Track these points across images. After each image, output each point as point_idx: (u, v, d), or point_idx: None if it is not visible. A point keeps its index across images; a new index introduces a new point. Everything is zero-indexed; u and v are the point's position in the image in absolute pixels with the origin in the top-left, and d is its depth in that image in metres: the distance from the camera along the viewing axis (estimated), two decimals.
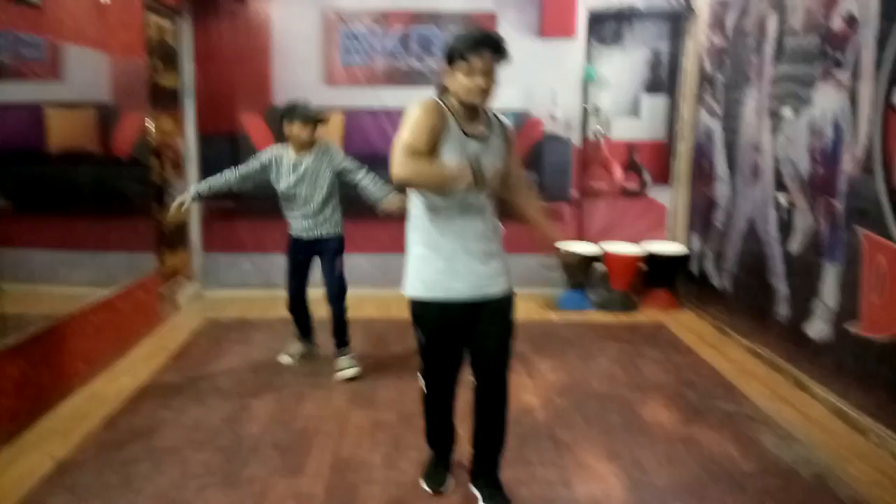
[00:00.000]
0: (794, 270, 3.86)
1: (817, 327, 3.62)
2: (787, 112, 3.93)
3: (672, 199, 5.76)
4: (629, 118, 5.68)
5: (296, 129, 3.70)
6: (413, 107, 2.32)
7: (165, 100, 5.03)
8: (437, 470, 2.74)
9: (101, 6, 3.93)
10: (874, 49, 3.16)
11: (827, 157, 3.54)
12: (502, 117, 2.58)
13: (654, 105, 5.66)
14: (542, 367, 4.07)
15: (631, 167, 5.74)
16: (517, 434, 3.15)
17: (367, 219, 5.37)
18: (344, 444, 3.06)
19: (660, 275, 5.47)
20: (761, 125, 4.23)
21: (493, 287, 2.47)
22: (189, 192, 3.82)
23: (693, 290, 5.36)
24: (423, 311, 2.47)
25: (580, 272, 5.39)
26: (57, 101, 3.74)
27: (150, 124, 4.68)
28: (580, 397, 3.63)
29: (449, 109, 2.37)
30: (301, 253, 3.94)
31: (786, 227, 3.94)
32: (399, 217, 3.53)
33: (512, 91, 5.40)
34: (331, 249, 3.89)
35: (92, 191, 3.98)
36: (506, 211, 2.65)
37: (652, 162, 5.74)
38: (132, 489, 2.65)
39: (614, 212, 5.80)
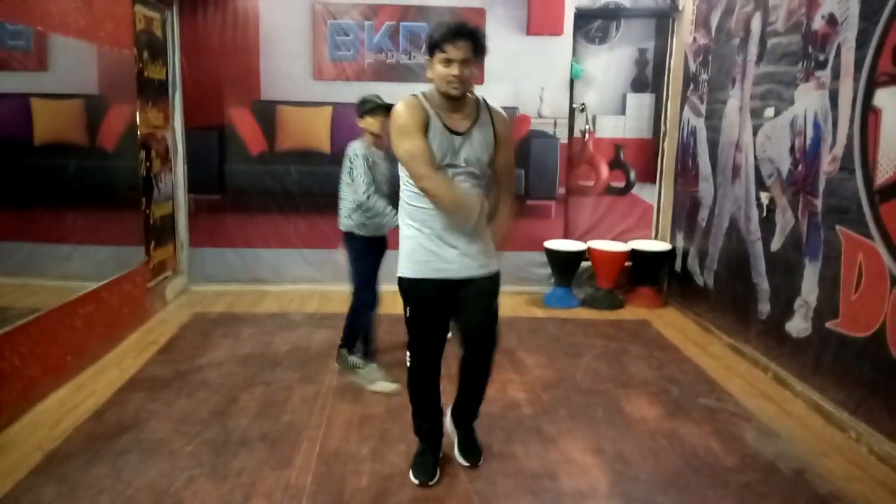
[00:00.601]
0: (776, 269, 3.93)
1: (798, 325, 3.69)
2: (769, 111, 3.99)
3: (657, 197, 5.82)
4: (615, 116, 5.74)
5: (379, 122, 3.54)
6: (396, 110, 2.48)
7: (153, 92, 5.00)
8: (425, 458, 2.77)
9: None
10: (854, 49, 3.22)
11: (807, 157, 3.61)
12: (496, 108, 2.62)
13: (640, 103, 5.72)
14: (529, 362, 4.12)
15: (617, 165, 5.80)
16: (504, 428, 3.20)
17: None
18: (332, 437, 3.09)
19: (645, 272, 5.54)
20: (744, 124, 4.29)
21: (478, 268, 2.60)
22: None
23: (677, 288, 5.43)
24: (411, 288, 2.61)
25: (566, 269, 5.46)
26: (43, 92, 3.71)
27: (137, 116, 4.66)
28: (566, 392, 3.67)
29: (431, 104, 2.48)
30: (380, 253, 3.75)
31: (767, 226, 4.01)
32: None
33: (499, 88, 5.45)
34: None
35: (78, 183, 3.96)
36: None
37: (638, 160, 5.80)
38: (121, 480, 2.66)
39: (600, 209, 5.85)
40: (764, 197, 4.05)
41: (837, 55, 3.35)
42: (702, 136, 4.98)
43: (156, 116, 5.07)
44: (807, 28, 3.63)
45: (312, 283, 5.64)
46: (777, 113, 3.90)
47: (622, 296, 5.51)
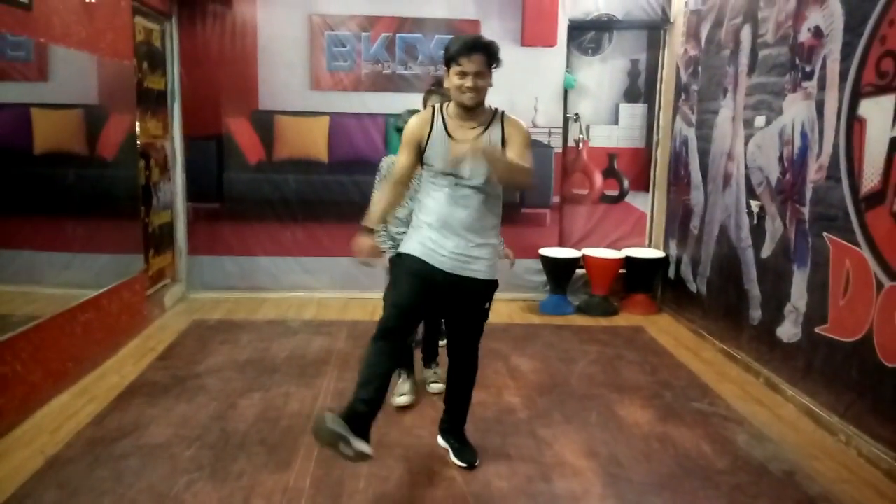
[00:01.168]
0: (766, 275, 4.00)
1: (788, 330, 3.75)
2: (759, 121, 4.07)
3: (650, 205, 5.90)
4: (609, 126, 5.82)
5: None
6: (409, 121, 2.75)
7: (152, 102, 5.06)
8: (345, 422, 2.43)
9: (90, 8, 3.96)
10: (839, 61, 3.30)
11: (795, 165, 3.69)
12: (513, 118, 2.72)
13: (632, 113, 5.81)
14: (525, 368, 4.17)
15: (610, 174, 5.88)
16: (499, 431, 3.25)
17: (349, 223, 5.48)
18: None
19: (639, 280, 5.60)
20: (735, 134, 4.37)
21: (471, 271, 2.68)
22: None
23: (671, 295, 5.50)
24: (404, 259, 2.74)
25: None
26: (43, 102, 3.75)
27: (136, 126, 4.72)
28: (560, 397, 3.73)
29: (447, 113, 2.66)
30: None
31: (758, 233, 4.08)
32: None
33: (494, 98, 5.48)
34: None
35: (78, 192, 4.00)
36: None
37: (631, 169, 5.88)
38: (122, 484, 2.70)
39: (594, 217, 5.93)
40: (754, 205, 4.12)
41: (823, 66, 3.43)
42: (693, 145, 5.06)
43: (155, 126, 5.13)
44: (794, 40, 3.72)
45: (310, 291, 5.69)
46: (768, 122, 3.98)
47: (616, 302, 5.57)
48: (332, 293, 5.66)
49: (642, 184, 5.90)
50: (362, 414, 2.51)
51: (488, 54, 2.56)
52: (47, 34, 3.55)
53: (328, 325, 4.90)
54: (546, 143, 5.70)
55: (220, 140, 5.58)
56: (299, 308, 5.38)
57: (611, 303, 5.53)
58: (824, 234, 3.41)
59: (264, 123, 5.58)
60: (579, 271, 5.62)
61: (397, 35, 5.54)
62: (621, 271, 5.60)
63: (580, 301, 5.58)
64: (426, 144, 2.67)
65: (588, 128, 5.79)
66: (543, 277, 5.66)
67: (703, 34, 4.90)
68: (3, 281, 3.41)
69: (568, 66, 5.62)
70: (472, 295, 2.74)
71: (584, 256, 5.56)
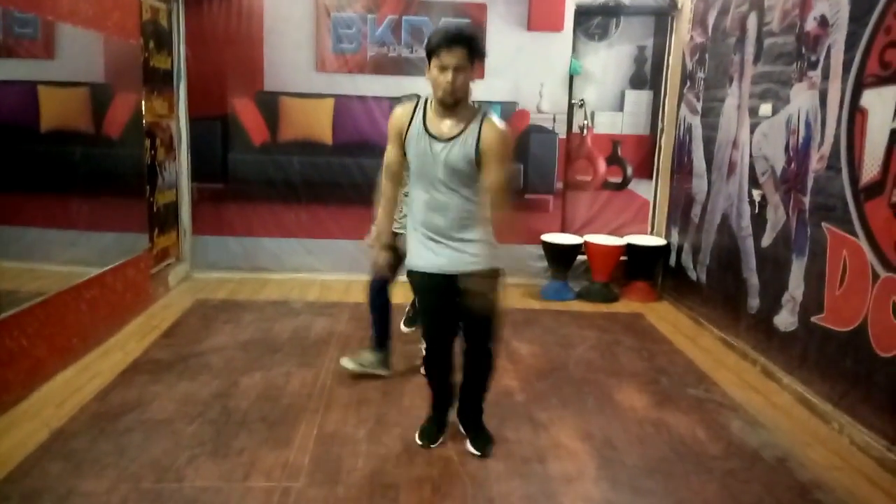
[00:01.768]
0: (765, 264, 4.02)
1: (785, 319, 3.78)
2: (764, 110, 4.07)
3: (654, 192, 5.91)
4: (613, 112, 5.81)
5: None
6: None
7: (158, 81, 5.08)
8: (431, 427, 3.00)
9: None
10: (843, 51, 3.30)
11: (798, 155, 3.69)
12: (493, 121, 2.56)
13: (637, 100, 5.79)
14: (524, 352, 4.21)
15: (614, 161, 5.88)
16: (496, 414, 3.29)
17: (353, 205, 5.51)
18: (329, 419, 3.18)
19: (640, 267, 5.62)
20: (741, 122, 4.36)
21: (465, 265, 2.65)
22: None
23: (671, 282, 5.52)
24: (412, 278, 2.80)
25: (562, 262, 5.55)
26: (50, 80, 3.77)
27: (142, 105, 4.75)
28: (558, 381, 3.77)
29: (425, 106, 2.60)
30: None
31: (759, 222, 4.10)
32: None
33: (499, 83, 5.53)
34: None
35: (84, 170, 4.04)
36: None
37: (635, 156, 5.88)
38: (125, 457, 2.75)
39: (597, 204, 5.94)
40: (755, 194, 4.13)
41: (828, 56, 3.43)
42: (697, 133, 5.06)
43: (161, 105, 5.15)
44: (800, 29, 3.71)
45: (313, 272, 5.74)
46: (774, 111, 3.97)
47: (617, 289, 5.60)
48: (335, 275, 5.70)
49: (646, 171, 5.90)
50: (441, 409, 3.03)
51: (470, 47, 2.42)
52: (54, 12, 3.57)
53: (331, 307, 4.94)
54: (550, 128, 5.69)
55: (225, 120, 5.59)
56: (302, 289, 5.43)
57: (611, 289, 5.55)
58: (823, 223, 3.43)
59: (269, 104, 5.60)
60: (581, 257, 5.64)
61: (403, 18, 5.53)
62: (622, 258, 5.62)
63: (581, 287, 5.61)
64: (405, 138, 2.61)
65: (593, 114, 5.79)
66: (545, 263, 5.69)
67: (710, 21, 4.88)
68: (9, 257, 3.44)
69: (574, 52, 5.61)
70: (474, 288, 2.65)
71: (585, 243, 5.58)
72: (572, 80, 5.68)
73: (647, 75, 5.77)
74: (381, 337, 3.67)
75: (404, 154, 2.68)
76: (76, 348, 3.77)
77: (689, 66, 5.25)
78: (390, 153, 2.73)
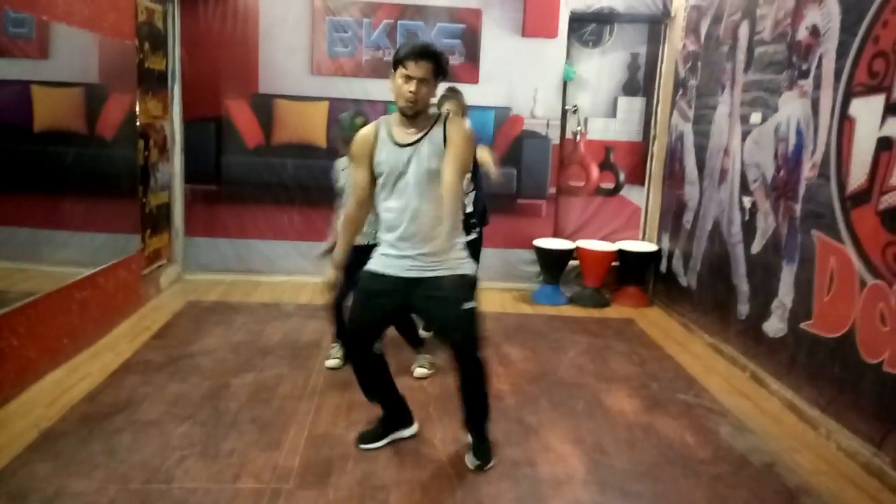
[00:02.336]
0: (755, 271, 4.05)
1: (774, 325, 3.81)
2: (755, 118, 4.11)
3: (646, 199, 5.94)
4: (606, 119, 5.85)
5: None
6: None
7: (153, 82, 5.08)
8: (372, 431, 3.00)
9: None
10: (834, 60, 3.34)
11: (789, 162, 3.73)
12: (457, 119, 2.68)
13: (630, 107, 5.84)
14: (514, 356, 4.22)
15: (607, 167, 5.91)
16: None
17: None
18: (320, 422, 3.19)
19: (631, 272, 5.65)
20: (732, 130, 4.40)
21: (435, 270, 2.63)
22: None
23: (662, 288, 5.55)
24: (362, 276, 2.77)
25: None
26: (44, 80, 3.77)
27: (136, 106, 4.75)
28: (548, 385, 3.78)
29: (392, 120, 2.65)
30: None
31: (749, 229, 4.13)
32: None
33: (494, 88, 5.56)
34: None
35: (77, 171, 4.03)
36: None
37: (627, 162, 5.92)
38: (115, 458, 2.75)
39: (589, 210, 5.97)
40: (746, 201, 4.17)
41: (819, 65, 3.46)
42: (689, 140, 5.10)
43: (155, 107, 5.15)
44: (791, 38, 3.75)
45: (305, 275, 5.73)
46: (764, 119, 4.01)
47: (608, 294, 5.63)
48: None
49: (638, 177, 5.94)
50: (386, 413, 2.98)
51: (436, 63, 2.52)
52: (49, 12, 3.57)
53: (322, 310, 4.93)
54: (544, 134, 5.72)
55: (219, 122, 5.60)
56: (294, 292, 5.43)
57: (603, 295, 5.58)
58: (812, 231, 3.46)
59: (264, 107, 5.61)
60: (573, 262, 5.67)
61: (399, 22, 5.55)
62: (614, 264, 5.65)
63: (572, 292, 5.63)
64: (374, 152, 2.63)
65: (586, 120, 5.82)
66: (537, 267, 5.71)
67: (703, 30, 4.92)
68: (1, 257, 3.44)
69: (568, 58, 5.64)
70: (441, 295, 2.63)
71: (577, 248, 5.60)
72: (566, 87, 5.71)
73: (640, 82, 5.81)
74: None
75: (372, 177, 2.68)
76: (66, 349, 3.76)
77: (682, 73, 5.30)
78: (357, 176, 2.72)
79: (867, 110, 3.06)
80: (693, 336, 4.80)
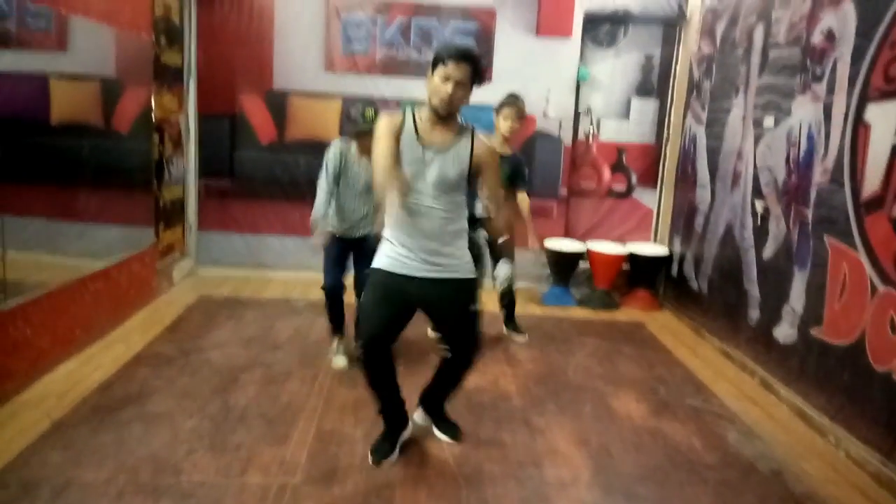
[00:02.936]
0: (766, 276, 4.03)
1: (785, 331, 3.79)
2: (768, 121, 4.09)
3: (658, 201, 5.92)
4: (619, 120, 5.83)
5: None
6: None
7: (168, 77, 5.12)
8: (383, 445, 2.90)
9: None
10: (849, 65, 3.32)
11: (801, 167, 3.70)
12: (482, 139, 2.67)
13: (643, 108, 5.81)
14: (522, 357, 4.23)
15: (619, 168, 5.90)
16: (494, 417, 3.32)
17: None
18: (328, 418, 3.21)
19: (642, 275, 5.63)
20: (745, 133, 4.38)
21: (444, 271, 2.67)
22: None
23: (673, 292, 5.53)
24: (372, 275, 2.74)
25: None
26: (61, 73, 3.81)
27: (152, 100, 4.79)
28: (556, 387, 3.78)
29: (414, 118, 2.62)
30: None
31: (761, 234, 4.11)
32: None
33: (507, 87, 5.53)
34: None
35: (93, 163, 4.07)
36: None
37: (639, 164, 5.90)
38: (125, 449, 2.78)
39: (601, 211, 5.95)
40: (758, 205, 4.14)
41: (833, 69, 3.44)
42: (702, 143, 5.07)
43: (170, 101, 5.19)
44: (806, 42, 3.72)
45: (316, 272, 5.73)
46: (777, 123, 3.99)
47: (618, 297, 5.61)
48: None
49: (650, 180, 5.92)
50: (388, 419, 2.91)
51: (475, 68, 2.53)
52: (68, 5, 3.61)
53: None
54: (556, 135, 5.71)
55: (233, 118, 5.63)
56: (305, 288, 5.44)
57: (612, 297, 5.56)
58: (825, 236, 3.44)
59: (278, 103, 5.63)
60: (583, 264, 5.65)
61: (413, 20, 5.56)
62: (624, 266, 5.63)
63: (582, 294, 5.62)
64: (401, 145, 2.60)
65: (599, 121, 5.81)
66: (546, 269, 5.70)
67: (719, 32, 4.89)
68: (16, 248, 3.47)
69: (582, 59, 5.63)
70: (452, 296, 2.69)
71: (588, 250, 5.59)
72: (579, 87, 5.70)
73: (653, 84, 5.79)
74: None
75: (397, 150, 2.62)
76: (79, 340, 3.80)
77: (696, 76, 5.27)
78: (387, 145, 2.54)
79: (883, 116, 3.04)
80: (703, 341, 4.78)
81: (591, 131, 5.80)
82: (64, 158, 3.83)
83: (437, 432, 3.06)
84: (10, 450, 2.72)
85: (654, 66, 5.76)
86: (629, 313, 5.42)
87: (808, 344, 3.55)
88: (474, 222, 4.11)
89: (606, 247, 5.66)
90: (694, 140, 5.22)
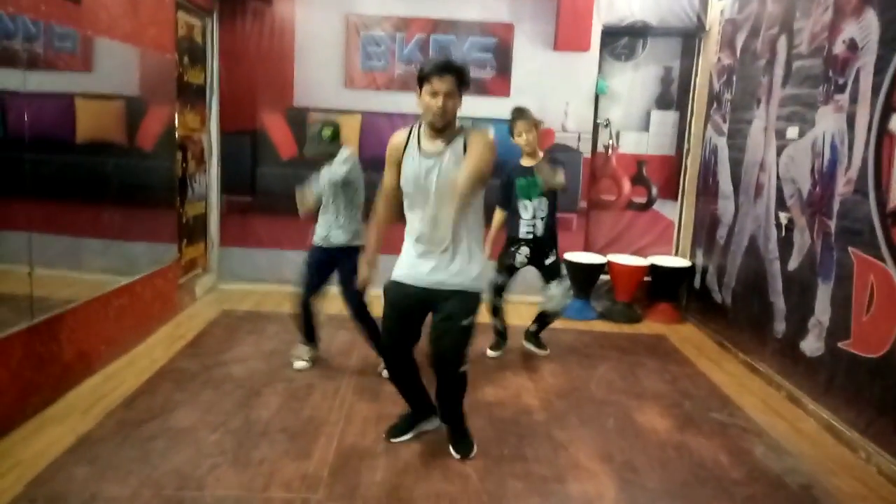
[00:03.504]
0: (792, 288, 3.97)
1: (811, 344, 3.72)
2: (791, 132, 4.05)
3: (679, 213, 5.88)
4: (639, 132, 5.81)
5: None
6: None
7: (191, 96, 5.20)
8: (399, 425, 3.16)
9: (135, 2, 4.09)
10: (872, 74, 3.28)
11: (824, 178, 3.66)
12: (475, 130, 2.74)
13: (663, 120, 5.79)
14: (544, 371, 4.20)
15: (639, 181, 5.87)
16: (516, 432, 3.29)
17: None
18: (349, 432, 3.20)
19: (664, 288, 5.58)
20: (768, 144, 4.34)
21: (445, 284, 2.77)
22: None
23: (696, 305, 5.47)
24: (387, 289, 2.91)
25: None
26: (87, 93, 3.88)
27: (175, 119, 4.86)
28: (579, 401, 3.75)
29: (418, 131, 2.77)
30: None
31: (785, 246, 4.06)
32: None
33: (525, 101, 5.53)
34: None
35: (117, 181, 4.12)
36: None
37: (659, 176, 5.87)
38: (149, 464, 2.80)
39: (621, 224, 5.92)
40: (783, 217, 4.10)
41: (856, 79, 3.40)
42: (723, 154, 5.03)
43: (193, 119, 5.26)
44: (828, 52, 3.69)
45: (336, 286, 5.76)
46: (801, 134, 3.95)
47: (640, 310, 5.56)
48: None
49: (671, 192, 5.88)
50: (411, 407, 3.14)
51: (459, 76, 2.63)
52: (94, 27, 3.68)
53: (352, 321, 4.96)
54: (575, 147, 5.70)
55: (254, 135, 5.70)
56: (325, 302, 5.46)
57: (634, 310, 5.52)
58: (849, 248, 3.39)
59: (298, 120, 5.69)
60: (604, 277, 5.62)
61: (431, 36, 5.60)
62: (646, 279, 5.58)
63: (603, 307, 5.58)
64: (402, 159, 2.77)
65: (618, 134, 5.79)
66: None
67: (739, 43, 4.87)
68: (42, 264, 3.52)
69: (600, 72, 5.63)
70: (447, 307, 2.76)
71: (608, 262, 5.56)
72: (598, 100, 5.69)
73: (673, 96, 5.77)
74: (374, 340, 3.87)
75: (399, 181, 2.82)
76: (104, 355, 3.84)
77: (717, 87, 5.24)
78: (387, 178, 2.88)
79: None
80: (727, 354, 4.72)
81: (611, 143, 5.78)
82: (89, 176, 3.89)
83: (449, 447, 3.05)
84: (37, 464, 2.74)
85: (674, 78, 5.74)
86: (651, 326, 5.37)
87: (836, 357, 3.49)
88: (515, 242, 4.17)
89: (627, 259, 5.62)
90: (715, 151, 5.19)
